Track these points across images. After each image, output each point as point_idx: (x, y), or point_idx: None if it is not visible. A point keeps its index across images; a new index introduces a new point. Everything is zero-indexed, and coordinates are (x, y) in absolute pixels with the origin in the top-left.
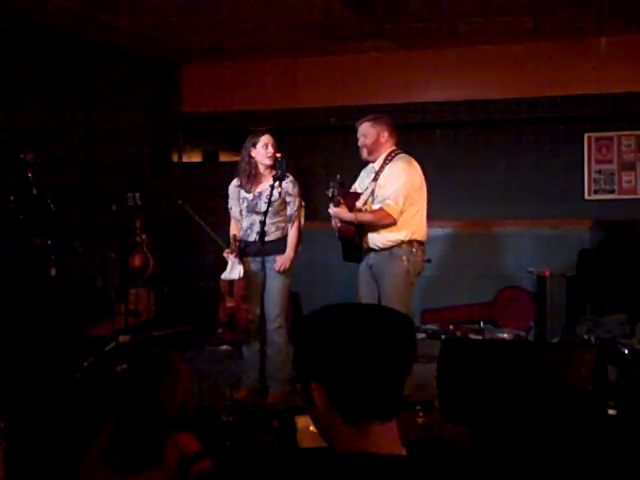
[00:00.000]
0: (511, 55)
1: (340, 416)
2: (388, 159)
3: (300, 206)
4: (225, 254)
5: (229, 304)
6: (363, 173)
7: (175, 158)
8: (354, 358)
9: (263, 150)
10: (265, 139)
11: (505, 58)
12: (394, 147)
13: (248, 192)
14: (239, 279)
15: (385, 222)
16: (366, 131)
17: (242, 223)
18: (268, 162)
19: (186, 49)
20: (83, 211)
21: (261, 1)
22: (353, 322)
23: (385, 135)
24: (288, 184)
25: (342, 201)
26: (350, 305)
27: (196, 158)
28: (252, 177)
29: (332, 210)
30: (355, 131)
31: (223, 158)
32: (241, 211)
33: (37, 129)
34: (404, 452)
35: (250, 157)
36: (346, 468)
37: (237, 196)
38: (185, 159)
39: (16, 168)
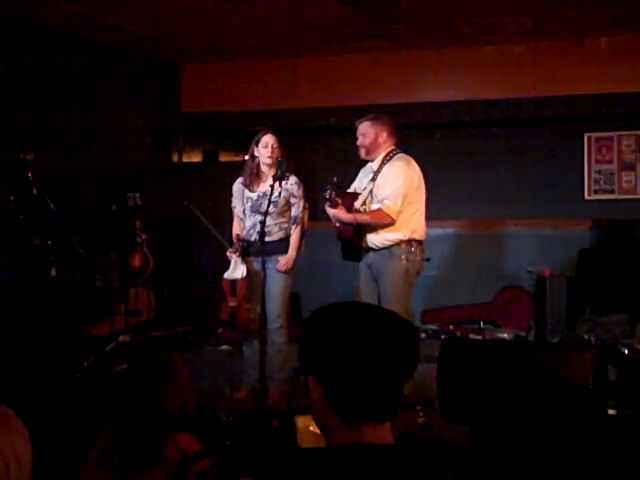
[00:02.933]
0: (511, 55)
1: (334, 413)
2: (386, 159)
3: (305, 208)
4: (228, 253)
5: (231, 303)
6: (361, 173)
7: (175, 158)
8: (353, 359)
9: (263, 150)
10: (266, 139)
11: (505, 58)
12: (393, 147)
13: (252, 191)
14: (242, 278)
15: (384, 222)
16: (365, 130)
17: (245, 222)
18: (268, 161)
19: (186, 49)
20: (83, 211)
21: (261, 1)
22: (358, 323)
23: (384, 135)
24: (293, 186)
25: (340, 202)
26: (361, 305)
27: (196, 158)
28: (254, 176)
29: (330, 212)
30: (355, 131)
31: (223, 158)
32: (244, 210)
33: (37, 129)
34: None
35: (254, 156)
36: (339, 459)
37: (241, 195)
38: (185, 159)
39: (16, 168)
